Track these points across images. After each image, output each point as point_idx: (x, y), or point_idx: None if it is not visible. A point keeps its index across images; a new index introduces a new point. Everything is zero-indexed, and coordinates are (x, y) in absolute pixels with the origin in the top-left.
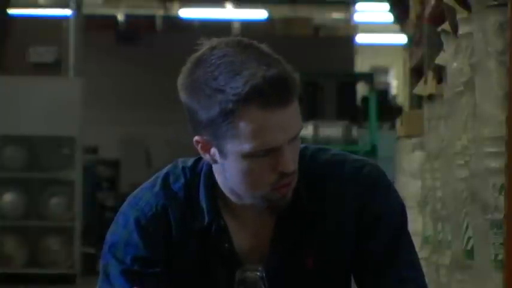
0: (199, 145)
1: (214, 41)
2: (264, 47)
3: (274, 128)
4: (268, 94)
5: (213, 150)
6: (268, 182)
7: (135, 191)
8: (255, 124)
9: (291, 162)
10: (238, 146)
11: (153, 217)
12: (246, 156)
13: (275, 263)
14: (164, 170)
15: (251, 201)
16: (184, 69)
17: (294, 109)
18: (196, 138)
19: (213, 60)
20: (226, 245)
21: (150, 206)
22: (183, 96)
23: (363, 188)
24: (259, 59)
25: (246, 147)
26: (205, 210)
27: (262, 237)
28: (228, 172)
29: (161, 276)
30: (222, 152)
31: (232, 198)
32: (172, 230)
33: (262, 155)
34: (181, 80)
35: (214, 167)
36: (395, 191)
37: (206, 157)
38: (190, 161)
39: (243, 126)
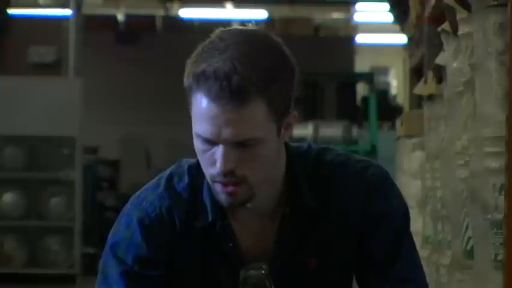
0: None
1: (232, 28)
2: (263, 47)
3: (211, 120)
4: (212, 84)
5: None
6: (209, 172)
7: (139, 192)
8: (199, 107)
9: (224, 162)
10: (193, 121)
11: (156, 218)
12: (195, 135)
13: (278, 263)
14: (168, 171)
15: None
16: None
17: (243, 116)
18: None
19: (209, 42)
20: (231, 244)
21: (154, 206)
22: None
23: (366, 189)
24: (237, 55)
25: (194, 126)
26: (209, 208)
27: (266, 237)
28: None
29: (161, 279)
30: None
31: None
32: (176, 230)
33: (203, 142)
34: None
35: None
36: (398, 192)
37: None
38: (195, 160)
39: (194, 105)
